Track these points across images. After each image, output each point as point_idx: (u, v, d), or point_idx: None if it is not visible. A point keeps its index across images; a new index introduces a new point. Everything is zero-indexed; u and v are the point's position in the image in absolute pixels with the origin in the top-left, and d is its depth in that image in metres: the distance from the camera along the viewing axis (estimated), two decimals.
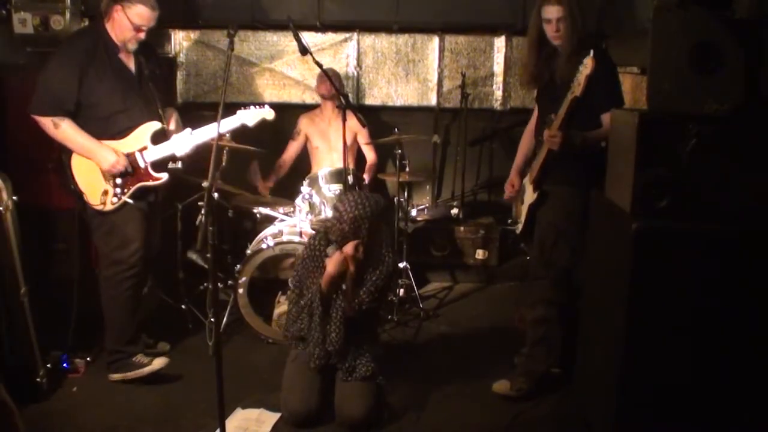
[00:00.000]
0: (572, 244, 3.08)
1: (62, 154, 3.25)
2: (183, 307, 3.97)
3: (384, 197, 4.74)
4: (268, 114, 3.49)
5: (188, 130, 3.34)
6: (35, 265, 3.30)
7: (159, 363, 3.32)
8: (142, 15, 3.13)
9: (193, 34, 4.86)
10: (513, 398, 3.20)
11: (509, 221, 3.25)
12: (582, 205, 3.03)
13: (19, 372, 3.07)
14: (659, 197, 2.36)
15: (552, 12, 2.99)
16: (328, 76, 3.96)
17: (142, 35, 3.19)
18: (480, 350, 3.81)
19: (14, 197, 3.06)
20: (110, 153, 3.15)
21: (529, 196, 3.19)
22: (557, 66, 3.06)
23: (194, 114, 4.31)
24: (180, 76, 4.89)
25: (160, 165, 3.29)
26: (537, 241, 3.18)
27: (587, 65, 2.76)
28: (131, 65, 3.27)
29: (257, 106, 3.47)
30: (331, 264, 2.92)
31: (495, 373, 3.35)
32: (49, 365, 3.22)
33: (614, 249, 2.54)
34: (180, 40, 4.86)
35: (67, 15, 3.88)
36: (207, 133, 3.34)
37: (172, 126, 3.39)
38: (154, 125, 3.27)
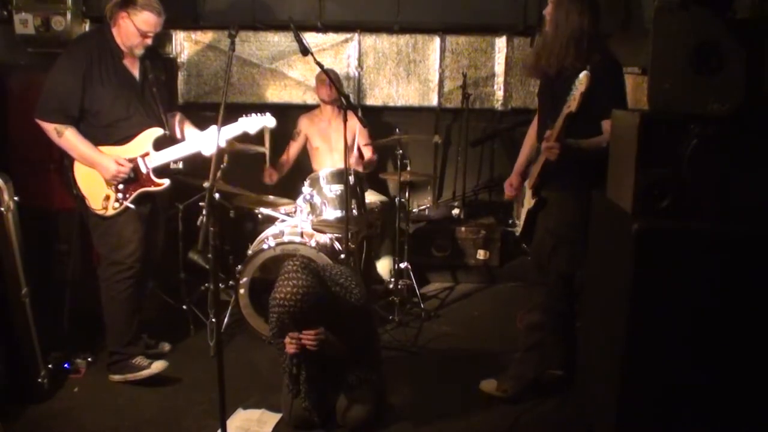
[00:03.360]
0: (571, 251, 3.02)
1: (65, 158, 3.28)
2: (184, 307, 3.97)
3: (385, 197, 4.78)
4: (269, 122, 3.45)
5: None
6: (36, 265, 3.30)
7: (158, 366, 3.32)
8: (148, 21, 3.13)
9: (195, 35, 4.87)
10: (498, 399, 3.19)
11: (510, 222, 3.21)
12: (581, 211, 2.98)
13: (20, 372, 3.08)
14: (660, 197, 2.36)
15: None
16: (330, 77, 3.95)
17: (149, 41, 3.20)
18: (482, 351, 3.81)
19: (15, 198, 3.05)
20: (111, 163, 3.16)
21: (528, 200, 3.14)
22: (543, 52, 2.96)
23: (195, 115, 4.30)
24: (181, 76, 4.89)
25: (162, 171, 3.31)
26: (535, 247, 3.14)
27: (582, 82, 2.69)
28: (135, 71, 3.27)
29: (259, 114, 3.44)
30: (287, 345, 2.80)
31: (496, 374, 3.33)
32: (50, 365, 3.22)
33: (615, 249, 2.54)
34: (181, 41, 4.86)
35: (68, 16, 3.90)
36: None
37: (188, 129, 3.42)
38: (157, 131, 3.28)
